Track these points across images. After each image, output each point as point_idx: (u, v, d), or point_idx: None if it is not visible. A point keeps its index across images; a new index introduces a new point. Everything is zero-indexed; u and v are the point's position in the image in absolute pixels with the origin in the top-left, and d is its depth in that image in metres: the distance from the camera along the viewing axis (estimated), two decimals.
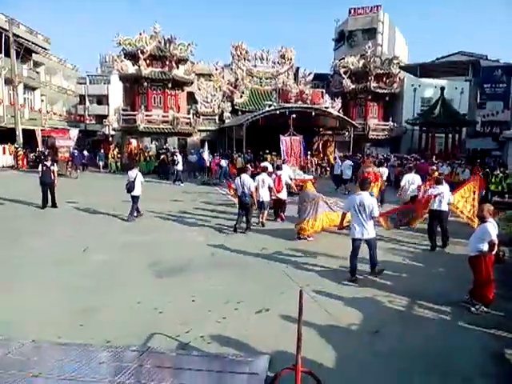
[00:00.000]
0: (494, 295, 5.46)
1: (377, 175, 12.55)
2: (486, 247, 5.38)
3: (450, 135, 30.39)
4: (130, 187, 11.02)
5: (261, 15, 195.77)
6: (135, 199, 11.13)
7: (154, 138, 26.98)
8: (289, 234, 9.76)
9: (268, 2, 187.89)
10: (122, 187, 11.40)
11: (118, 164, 23.90)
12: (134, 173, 11.22)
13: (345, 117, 28.13)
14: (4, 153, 25.42)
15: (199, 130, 29.95)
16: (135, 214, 11.22)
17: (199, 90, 30.05)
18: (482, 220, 5.57)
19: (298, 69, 35.19)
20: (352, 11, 44.69)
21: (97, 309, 5.39)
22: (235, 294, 5.92)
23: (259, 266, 7.38)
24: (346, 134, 29.60)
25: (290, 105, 26.64)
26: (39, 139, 29.87)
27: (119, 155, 24.50)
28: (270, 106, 26.29)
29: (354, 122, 28.56)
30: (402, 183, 11.33)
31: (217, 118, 30.44)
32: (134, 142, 27.15)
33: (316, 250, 8.26)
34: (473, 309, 5.47)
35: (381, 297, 5.90)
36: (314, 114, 25.61)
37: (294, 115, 24.79)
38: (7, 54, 25.61)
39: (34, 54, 34.19)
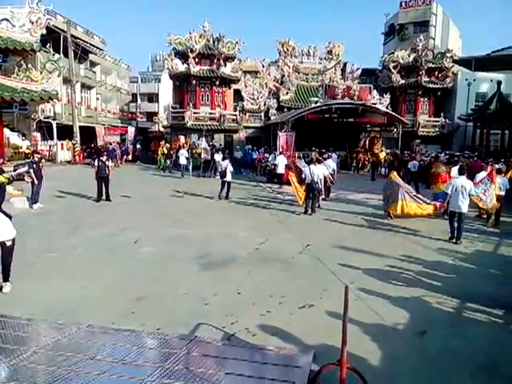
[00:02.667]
0: None
1: (446, 175, 11.83)
2: None
3: (507, 132, 28.70)
4: (223, 174, 14.25)
5: (308, 12, 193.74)
6: (227, 184, 14.19)
7: (202, 134, 27.57)
8: (332, 230, 9.76)
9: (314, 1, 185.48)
10: (168, 182, 11.85)
11: (168, 160, 24.48)
12: (226, 163, 14.48)
13: (393, 113, 27.29)
14: (62, 148, 26.98)
15: (245, 127, 30.23)
16: (224, 195, 14.14)
17: (246, 87, 30.29)
18: None
19: (345, 64, 34.57)
20: (403, 4, 43.29)
21: (147, 297, 5.65)
22: (279, 288, 6.00)
23: (303, 261, 7.42)
24: (395, 130, 28.75)
25: (336, 101, 26.31)
26: (99, 136, 31.66)
27: (171, 151, 25.09)
28: (316, 102, 26.09)
29: (402, 118, 27.68)
30: (448, 191, 9.04)
31: (262, 114, 30.58)
32: (182, 138, 27.91)
33: (362, 248, 8.17)
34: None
35: (429, 297, 5.76)
36: (360, 109, 25.08)
37: (340, 111, 24.48)
38: (66, 55, 27.11)
39: (90, 55, 35.98)
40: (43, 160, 14.34)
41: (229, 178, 14.33)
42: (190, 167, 21.85)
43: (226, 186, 14.28)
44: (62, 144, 27.06)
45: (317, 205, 12.39)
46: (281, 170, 17.81)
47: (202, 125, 28.28)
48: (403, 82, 32.65)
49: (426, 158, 21.03)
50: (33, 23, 12.73)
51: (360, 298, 5.63)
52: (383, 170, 24.33)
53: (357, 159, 27.16)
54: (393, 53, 34.24)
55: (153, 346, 4.46)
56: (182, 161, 21.81)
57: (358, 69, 33.95)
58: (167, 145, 26.27)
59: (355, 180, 22.05)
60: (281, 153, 19.72)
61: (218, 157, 21.08)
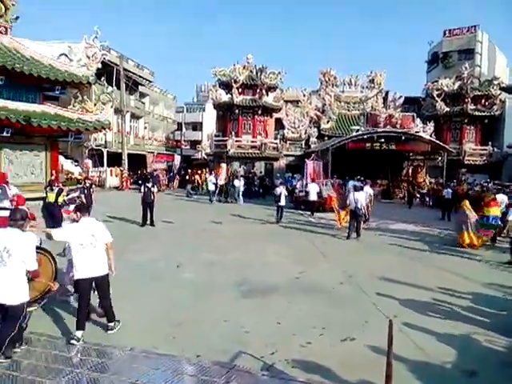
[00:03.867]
0: None
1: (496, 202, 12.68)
2: None
3: None
4: (278, 199, 15.49)
5: (350, 42, 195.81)
6: (281, 208, 15.45)
7: (243, 162, 28.15)
8: (374, 260, 9.56)
9: (357, 31, 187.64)
10: (208, 209, 12.12)
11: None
12: (280, 189, 15.80)
13: (437, 141, 26.70)
14: (111, 175, 28.34)
15: (285, 155, 30.54)
16: (279, 218, 15.34)
17: (287, 115, 30.79)
18: None
19: (387, 93, 34.42)
20: (447, 32, 42.97)
21: (188, 323, 5.73)
22: (320, 319, 5.91)
23: (344, 292, 7.29)
24: (439, 158, 28.02)
25: (378, 129, 26.08)
26: (148, 163, 33.49)
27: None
28: (357, 130, 25.99)
29: (447, 147, 26.96)
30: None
31: (303, 142, 30.82)
32: (223, 166, 28.56)
33: (405, 280, 7.91)
34: None
35: (477, 335, 5.46)
36: (403, 138, 24.75)
37: (383, 140, 24.24)
38: (118, 87, 28.81)
39: (140, 86, 38.03)
40: (93, 186, 15.12)
41: (283, 202, 15.51)
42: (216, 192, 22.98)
43: (280, 210, 15.51)
44: (111, 170, 28.47)
45: (360, 231, 12.58)
46: (313, 197, 17.93)
47: (244, 153, 28.84)
48: (448, 109, 32.00)
49: (475, 187, 20.48)
50: (89, 58, 13.70)
51: (404, 332, 5.43)
52: (427, 199, 23.76)
53: (399, 188, 26.59)
54: (436, 81, 33.80)
55: (193, 372, 4.50)
56: (210, 187, 22.69)
57: (400, 97, 33.72)
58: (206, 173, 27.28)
59: (397, 209, 21.54)
60: (313, 180, 20.06)
61: (237, 182, 22.78)
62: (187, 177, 29.29)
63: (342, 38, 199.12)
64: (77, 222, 5.33)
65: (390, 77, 34.97)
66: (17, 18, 12.70)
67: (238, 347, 4.95)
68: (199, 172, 30.36)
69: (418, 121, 30.45)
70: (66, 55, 13.49)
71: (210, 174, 24.91)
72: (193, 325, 5.69)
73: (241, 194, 23.09)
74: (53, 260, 5.45)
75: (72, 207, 7.79)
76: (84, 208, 5.55)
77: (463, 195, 17.12)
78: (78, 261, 5.06)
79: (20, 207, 5.22)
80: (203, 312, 6.18)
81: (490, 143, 31.21)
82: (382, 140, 24.85)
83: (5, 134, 10.76)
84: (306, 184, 19.84)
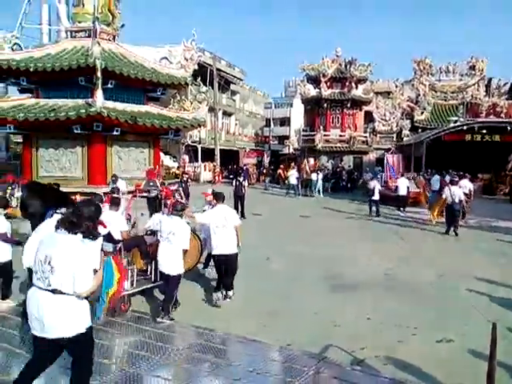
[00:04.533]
0: None
1: None
2: None
3: None
4: (372, 193, 15.72)
5: (447, 27, 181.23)
6: (375, 202, 15.71)
7: (331, 156, 27.85)
8: (471, 259, 9.01)
9: (456, 14, 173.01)
10: (291, 202, 12.25)
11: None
12: (374, 183, 16.21)
13: None
14: (205, 169, 29.94)
15: (375, 149, 29.53)
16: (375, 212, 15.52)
17: (377, 108, 29.71)
18: None
19: (490, 79, 31.47)
20: None
21: (278, 313, 5.94)
22: (411, 318, 5.75)
23: (437, 291, 6.99)
24: None
25: (479, 119, 24.07)
26: (241, 158, 34.99)
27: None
28: (455, 121, 24.28)
29: None
30: None
31: (394, 135, 29.51)
32: (311, 160, 28.58)
33: (507, 283, 7.31)
34: None
35: None
36: (509, 128, 22.51)
37: (485, 131, 22.31)
38: (211, 86, 30.25)
39: (231, 85, 39.48)
40: (189, 180, 16.16)
41: (376, 196, 15.60)
42: (300, 186, 23.15)
43: (374, 204, 15.71)
44: (204, 165, 30.09)
45: (457, 227, 12.18)
46: (403, 192, 17.16)
47: (332, 147, 28.49)
48: None
49: None
50: (187, 60, 14.56)
51: (508, 338, 5.06)
52: None
53: (504, 183, 24.21)
54: None
55: (284, 360, 4.67)
56: (293, 181, 22.81)
57: (505, 84, 30.65)
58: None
59: (500, 205, 19.71)
60: (402, 175, 19.28)
61: (314, 176, 23.26)
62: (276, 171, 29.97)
63: (436, 25, 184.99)
64: (213, 206, 6.70)
65: (493, 61, 31.70)
66: (123, 25, 13.95)
67: (327, 340, 5.03)
68: (281, 166, 30.74)
69: None
70: (166, 58, 14.50)
71: (293, 168, 25.12)
72: (283, 315, 5.89)
73: (319, 187, 23.23)
74: (199, 240, 6.84)
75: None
76: (220, 196, 6.49)
77: None
78: (214, 240, 6.18)
79: (180, 200, 6.42)
80: (293, 303, 6.35)
81: None
82: (484, 131, 22.89)
83: (115, 132, 11.92)
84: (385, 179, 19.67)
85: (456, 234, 11.98)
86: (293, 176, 23.13)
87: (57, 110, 11.58)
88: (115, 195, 7.24)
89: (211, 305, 6.24)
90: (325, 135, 28.91)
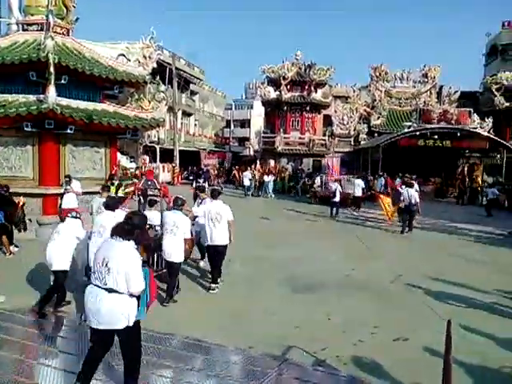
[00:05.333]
0: None
1: None
2: None
3: None
4: (333, 195, 15.78)
5: (401, 36, 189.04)
6: (336, 204, 15.80)
7: (291, 158, 28.14)
8: (427, 259, 9.37)
9: (409, 25, 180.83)
10: (244, 202, 12.26)
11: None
12: (335, 185, 16.20)
13: (496, 137, 25.30)
14: (164, 170, 29.32)
15: (334, 152, 30.14)
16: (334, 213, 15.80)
17: (335, 112, 30.38)
18: None
19: (441, 87, 33.02)
20: (506, 23, 40.49)
21: (239, 316, 5.87)
22: (371, 317, 5.87)
23: (395, 291, 7.17)
24: (498, 156, 26.52)
25: (432, 125, 25.16)
26: (202, 159, 35.08)
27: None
28: (409, 127, 25.22)
29: (507, 144, 25.47)
30: None
31: (352, 139, 30.28)
32: (271, 162, 28.75)
33: (462, 282, 7.63)
34: None
35: None
36: (459, 134, 23.74)
37: (437, 136, 23.39)
38: (170, 85, 29.74)
39: (191, 85, 39.03)
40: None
41: (337, 198, 15.89)
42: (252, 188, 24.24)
43: (335, 205, 15.92)
44: (163, 166, 29.46)
45: (412, 226, 13.09)
46: (358, 193, 18.00)
47: (292, 149, 28.81)
48: (508, 104, 30.15)
49: None
50: (145, 58, 14.19)
51: (460, 335, 5.26)
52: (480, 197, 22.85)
53: (453, 187, 25.52)
54: (495, 74, 31.97)
55: (245, 363, 4.62)
56: (246, 182, 23.82)
57: (455, 92, 32.22)
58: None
59: (449, 208, 20.73)
60: (359, 177, 20.29)
61: (266, 178, 24.24)
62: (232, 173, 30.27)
63: (392, 32, 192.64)
64: (201, 202, 7.79)
65: (444, 70, 33.37)
66: (77, 19, 13.34)
67: (289, 341, 5.02)
68: (237, 168, 31.19)
69: (475, 116, 28.90)
70: (124, 55, 14.04)
71: (246, 169, 26.20)
72: (244, 318, 5.83)
73: (270, 189, 24.18)
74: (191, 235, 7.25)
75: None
76: (216, 193, 7.28)
77: None
78: (209, 232, 6.84)
79: (179, 196, 6.76)
80: (254, 306, 6.31)
81: None
82: (436, 137, 23.99)
83: (68, 131, 11.38)
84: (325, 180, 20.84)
85: (410, 230, 12.94)
86: (246, 177, 24.14)
87: (6, 106, 10.90)
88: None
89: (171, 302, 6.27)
90: (285, 138, 29.19)
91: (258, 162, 29.66)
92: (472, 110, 30.11)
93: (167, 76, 30.81)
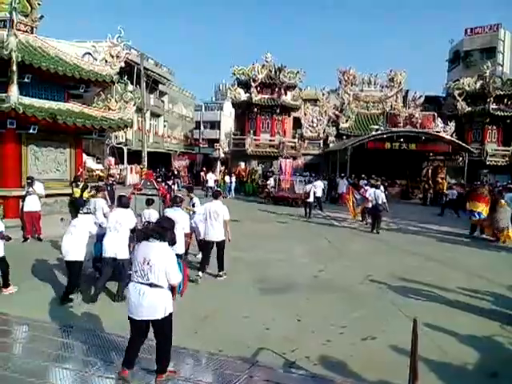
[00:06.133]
0: None
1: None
2: None
3: None
4: (307, 196, 16.52)
5: (370, 41, 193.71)
6: (310, 204, 16.52)
7: (261, 160, 28.24)
8: (393, 259, 9.58)
9: (377, 28, 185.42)
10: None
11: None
12: (309, 186, 16.70)
13: (458, 141, 26.33)
14: (131, 172, 28.76)
15: (303, 154, 30.51)
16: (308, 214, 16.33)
17: (305, 114, 30.74)
18: None
19: (407, 92, 34.03)
20: (468, 31, 42.28)
21: (209, 319, 5.82)
22: (339, 317, 5.94)
23: (363, 291, 7.29)
24: (460, 159, 27.60)
25: (398, 129, 25.90)
26: (174, 161, 34.93)
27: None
28: (376, 130, 25.85)
29: (468, 147, 26.55)
30: None
31: (321, 142, 30.74)
32: (242, 164, 28.75)
33: (426, 281, 7.86)
34: None
35: (501, 337, 5.42)
36: (423, 138, 24.54)
37: (402, 139, 24.06)
38: (138, 85, 29.23)
39: (159, 85, 38.48)
40: (115, 183, 15.39)
41: (311, 199, 16.52)
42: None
43: (308, 206, 16.48)
44: (131, 168, 28.89)
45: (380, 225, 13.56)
46: (319, 193, 18.51)
47: (262, 151, 28.92)
48: (469, 109, 31.40)
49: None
50: (113, 57, 13.89)
51: (425, 333, 5.40)
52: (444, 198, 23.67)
53: (418, 188, 26.35)
54: (458, 80, 33.24)
55: (215, 367, 4.57)
56: (211, 183, 24.78)
57: (420, 96, 33.29)
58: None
59: (414, 209, 21.34)
60: (319, 178, 21.23)
61: (227, 179, 25.65)
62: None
63: (359, 37, 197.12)
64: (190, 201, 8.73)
65: (410, 76, 34.63)
66: (41, 17, 12.93)
67: (259, 343, 5.01)
68: (204, 169, 31.46)
69: (438, 120, 30.08)
70: (90, 54, 13.71)
71: (208, 172, 27.36)
72: (214, 321, 5.78)
73: (232, 189, 25.24)
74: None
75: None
76: (218, 194, 8.11)
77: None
78: (206, 228, 7.58)
79: (178, 195, 7.45)
80: (224, 308, 6.27)
81: None
82: (402, 140, 24.66)
83: (31, 131, 10.99)
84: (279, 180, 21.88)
85: (378, 229, 13.35)
86: (211, 179, 25.04)
87: None
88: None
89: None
90: (255, 139, 29.28)
91: (218, 164, 30.09)
92: (436, 114, 31.32)
93: (135, 76, 30.29)
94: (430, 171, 28.49)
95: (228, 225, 7.68)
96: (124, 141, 30.02)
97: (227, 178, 25.96)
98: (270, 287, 7.36)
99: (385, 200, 13.66)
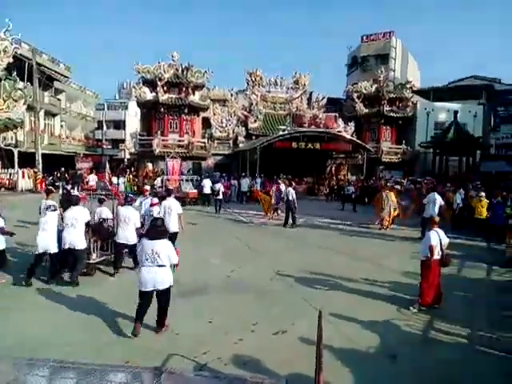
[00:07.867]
0: (437, 299, 6.23)
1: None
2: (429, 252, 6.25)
3: (464, 158, 30.25)
4: (217, 193, 18.49)
5: (276, 43, 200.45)
6: (220, 201, 18.38)
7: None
8: (301, 254, 9.95)
9: (284, 31, 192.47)
10: None
11: (134, 187, 24.76)
12: (219, 185, 18.94)
13: (358, 140, 28.37)
14: (23, 177, 25.97)
15: (213, 154, 30.41)
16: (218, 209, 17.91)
17: (214, 115, 30.67)
18: (429, 229, 6.63)
19: (311, 94, 35.67)
20: (364, 38, 45.64)
21: (112, 327, 5.48)
22: (251, 315, 5.96)
23: (274, 288, 7.41)
24: (359, 157, 29.74)
25: (303, 129, 27.08)
26: (77, 163, 33.22)
27: (135, 179, 26.08)
28: (283, 130, 26.68)
29: (367, 146, 28.73)
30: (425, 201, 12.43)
31: (231, 142, 30.91)
32: (149, 165, 27.75)
33: (331, 273, 8.25)
34: (410, 307, 6.28)
35: (398, 320, 5.87)
36: (326, 137, 25.94)
37: (307, 139, 25.19)
38: (30, 82, 26.64)
39: (55, 82, 35.49)
40: (2, 189, 13.78)
41: (221, 196, 18.47)
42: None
43: (219, 202, 18.06)
44: (23, 172, 26.09)
45: (295, 220, 14.53)
46: (207, 190, 20.33)
47: (170, 152, 28.20)
48: (366, 111, 33.98)
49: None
50: (0, 52, 12.52)
51: (331, 322, 5.64)
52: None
53: (323, 185, 27.83)
54: (356, 83, 35.73)
55: (123, 380, 4.29)
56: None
57: (323, 98, 35.18)
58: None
59: (319, 205, 22.50)
60: (206, 177, 22.72)
61: (115, 180, 25.30)
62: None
63: (267, 39, 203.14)
64: (145, 198, 10.03)
65: (313, 79, 36.39)
66: None
67: (169, 350, 4.81)
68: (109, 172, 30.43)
69: (340, 121, 32.10)
70: None
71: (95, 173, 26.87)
72: (118, 329, 5.42)
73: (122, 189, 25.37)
74: None
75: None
76: (169, 191, 9.87)
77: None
78: (168, 221, 8.17)
79: (129, 194, 8.83)
80: (130, 315, 5.89)
81: (403, 142, 33.70)
82: (307, 139, 25.77)
83: None
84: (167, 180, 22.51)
85: (294, 224, 14.30)
86: (93, 181, 24.53)
87: None
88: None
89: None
90: (163, 140, 28.44)
91: (140, 164, 29.00)
92: (337, 114, 33.38)
93: (26, 72, 27.54)
94: (333, 169, 30.30)
95: (182, 217, 9.04)
96: (14, 142, 27.09)
97: (114, 179, 25.50)
98: (181, 290, 7.09)
99: (294, 196, 14.38)
